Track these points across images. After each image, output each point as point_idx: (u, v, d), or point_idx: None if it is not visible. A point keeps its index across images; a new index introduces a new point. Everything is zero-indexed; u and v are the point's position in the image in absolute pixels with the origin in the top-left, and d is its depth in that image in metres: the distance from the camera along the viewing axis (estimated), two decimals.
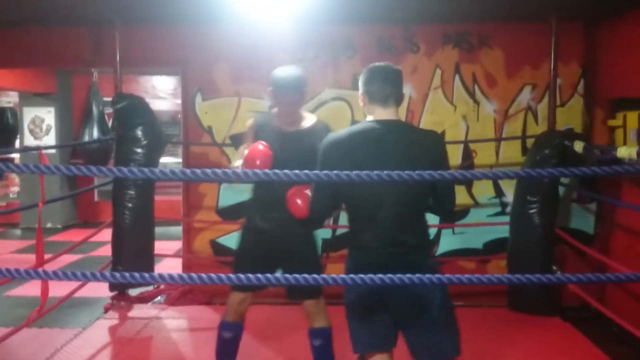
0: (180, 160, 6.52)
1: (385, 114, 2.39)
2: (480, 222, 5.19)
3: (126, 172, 1.72)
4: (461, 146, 5.15)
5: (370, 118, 2.41)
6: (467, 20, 4.95)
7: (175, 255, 6.04)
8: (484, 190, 5.18)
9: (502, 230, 4.93)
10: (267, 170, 1.73)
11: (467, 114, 5.12)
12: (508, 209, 5.05)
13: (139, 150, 4.56)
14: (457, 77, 5.09)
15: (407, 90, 5.05)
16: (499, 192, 5.18)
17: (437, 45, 5.08)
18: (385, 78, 2.41)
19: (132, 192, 4.56)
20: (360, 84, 2.45)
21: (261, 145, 2.78)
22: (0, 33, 5.15)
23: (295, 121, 2.98)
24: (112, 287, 4.86)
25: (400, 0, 4.22)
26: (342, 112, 5.13)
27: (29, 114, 8.84)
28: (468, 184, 5.15)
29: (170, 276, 1.69)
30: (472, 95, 5.11)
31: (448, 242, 5.26)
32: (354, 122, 5.09)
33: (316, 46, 5.10)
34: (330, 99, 5.13)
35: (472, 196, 5.19)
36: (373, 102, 2.41)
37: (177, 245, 6.16)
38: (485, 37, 5.05)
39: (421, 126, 5.05)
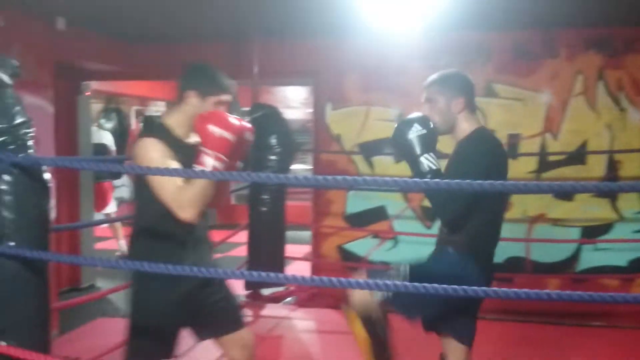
0: (310, 167, 6.70)
1: (480, 122, 2.41)
2: (625, 238, 4.82)
3: (264, 178, 1.82)
4: (605, 156, 4.82)
5: (467, 124, 2.34)
6: (611, 24, 4.63)
7: (304, 259, 6.23)
8: (630, 204, 4.80)
9: None
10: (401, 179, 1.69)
11: (612, 122, 4.78)
12: None
13: (273, 157, 4.75)
14: (600, 84, 4.78)
15: (546, 97, 4.84)
16: None
17: (579, 50, 4.80)
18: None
19: (267, 197, 4.78)
20: (455, 87, 2.34)
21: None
22: (152, 48, 5.62)
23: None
24: (247, 286, 5.11)
25: (540, 5, 4.04)
26: None
27: None
28: (612, 197, 4.81)
29: (303, 278, 1.77)
30: (617, 102, 4.76)
31: (589, 258, 4.93)
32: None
33: (447, 53, 5.01)
34: None
35: (616, 210, 4.83)
36: (470, 109, 2.37)
37: (306, 249, 6.35)
38: (631, 41, 4.69)
39: (561, 135, 4.81)
